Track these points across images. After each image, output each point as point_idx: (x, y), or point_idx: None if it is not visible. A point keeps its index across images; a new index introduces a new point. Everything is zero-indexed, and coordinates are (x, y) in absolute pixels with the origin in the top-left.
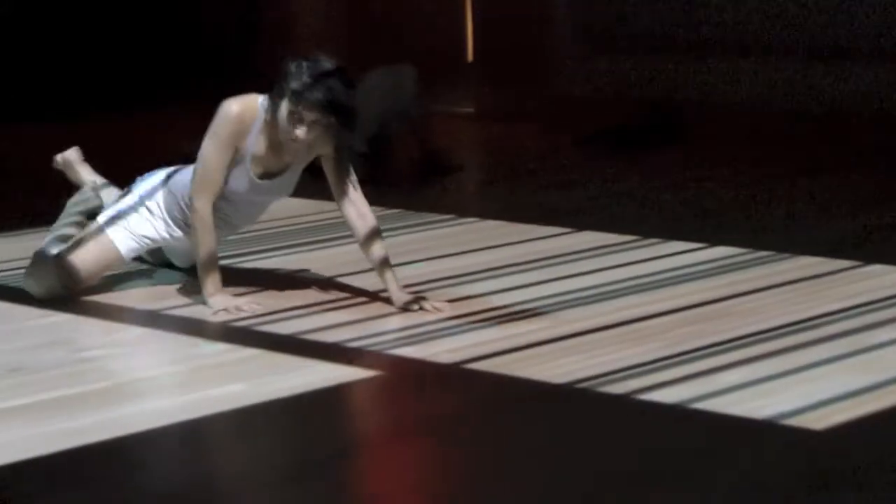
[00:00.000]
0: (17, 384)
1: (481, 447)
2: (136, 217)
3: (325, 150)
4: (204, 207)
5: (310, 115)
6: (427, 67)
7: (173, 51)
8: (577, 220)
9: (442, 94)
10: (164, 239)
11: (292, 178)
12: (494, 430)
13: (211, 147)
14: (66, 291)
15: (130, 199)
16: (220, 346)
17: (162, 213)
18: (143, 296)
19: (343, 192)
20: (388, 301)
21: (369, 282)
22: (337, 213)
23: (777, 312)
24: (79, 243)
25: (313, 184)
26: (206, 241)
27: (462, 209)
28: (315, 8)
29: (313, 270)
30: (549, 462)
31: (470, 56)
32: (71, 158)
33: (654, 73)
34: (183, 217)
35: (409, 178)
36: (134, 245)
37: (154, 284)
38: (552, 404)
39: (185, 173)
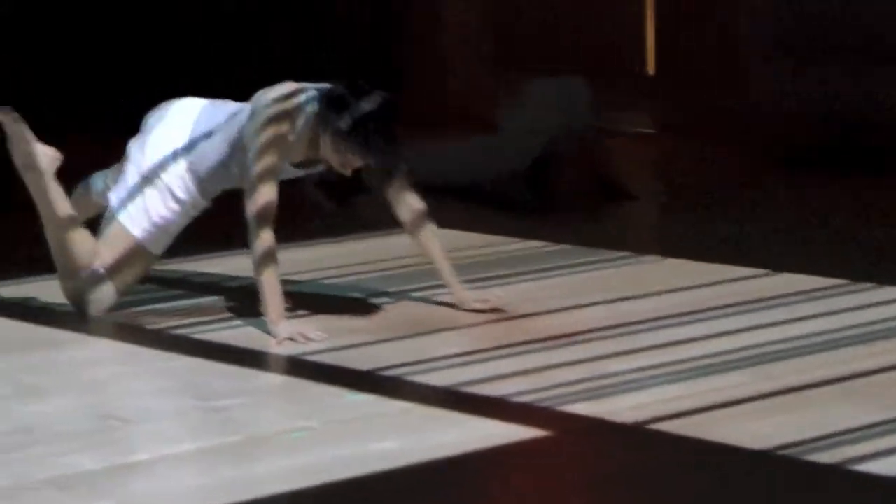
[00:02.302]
0: (138, 435)
1: None
2: (155, 202)
3: None
4: (270, 236)
5: (353, 159)
6: (601, 79)
7: (309, 49)
8: (774, 260)
9: (618, 110)
10: (189, 215)
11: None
12: (680, 501)
13: (268, 163)
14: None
15: (149, 187)
16: (368, 398)
17: (190, 186)
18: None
19: (388, 185)
20: (561, 349)
21: (541, 326)
22: (515, 248)
23: None
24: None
25: (478, 215)
26: (270, 268)
27: (641, 245)
28: (469, 8)
29: (480, 309)
30: None
31: (651, 67)
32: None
33: (869, 87)
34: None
35: (579, 207)
36: (165, 239)
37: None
38: (750, 472)
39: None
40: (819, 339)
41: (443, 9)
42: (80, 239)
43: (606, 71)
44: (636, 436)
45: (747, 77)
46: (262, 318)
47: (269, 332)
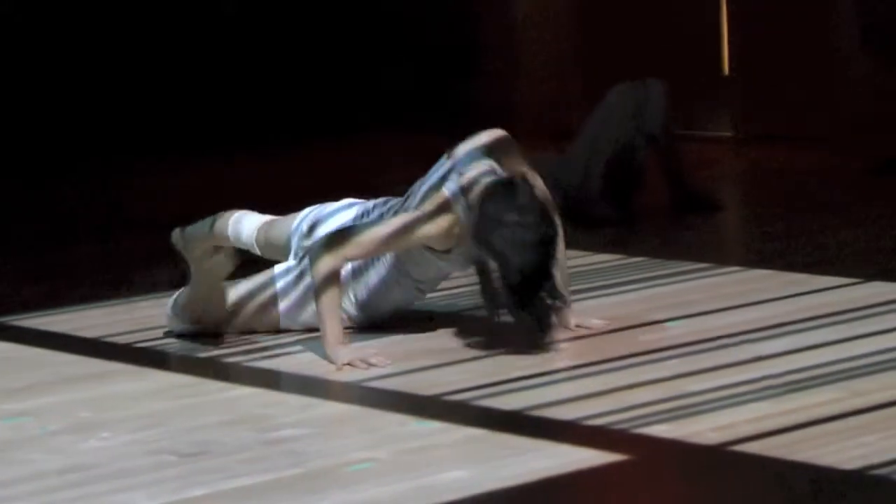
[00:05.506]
0: (196, 470)
1: None
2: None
3: None
4: (335, 261)
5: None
6: (676, 82)
7: (381, 70)
8: (865, 268)
9: (695, 114)
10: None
11: None
12: None
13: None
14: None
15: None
16: (435, 425)
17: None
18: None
19: None
20: (638, 367)
21: (616, 343)
22: (588, 261)
23: None
24: (249, 297)
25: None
26: (330, 291)
27: (722, 256)
28: (542, 19)
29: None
30: None
31: (726, 68)
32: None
33: None
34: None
35: (656, 216)
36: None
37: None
38: (841, 495)
39: None
40: None
41: (515, 13)
42: (218, 302)
43: (681, 72)
44: (720, 458)
45: (836, 74)
46: (320, 343)
47: (327, 359)
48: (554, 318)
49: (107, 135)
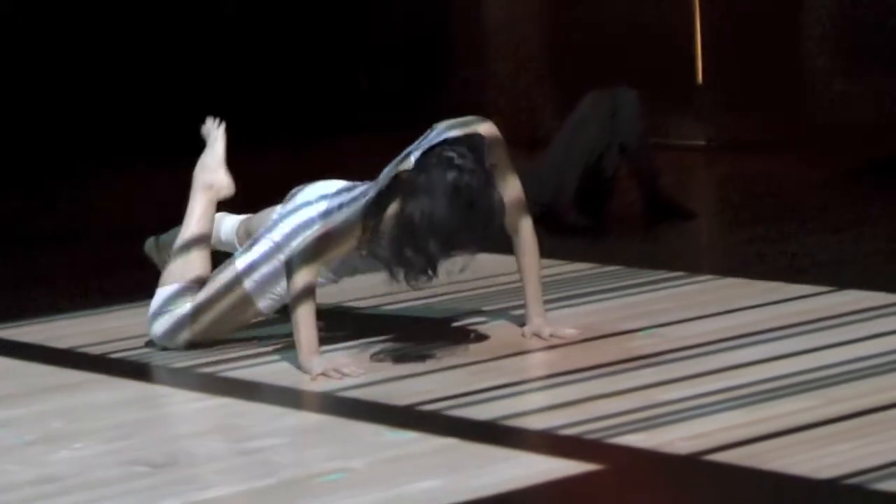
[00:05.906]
0: (169, 480)
1: None
2: (274, 270)
3: None
4: (313, 272)
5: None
6: (649, 91)
7: (350, 77)
8: (838, 277)
9: (668, 123)
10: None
11: None
12: None
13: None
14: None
15: (268, 245)
16: (408, 435)
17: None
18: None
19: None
20: (611, 376)
21: (589, 353)
22: (562, 270)
23: None
24: (213, 297)
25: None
26: (307, 302)
27: (695, 264)
28: (513, 25)
29: (521, 338)
30: None
31: (700, 77)
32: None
33: None
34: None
35: (630, 225)
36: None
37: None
38: None
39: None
40: (888, 358)
41: (486, 22)
42: (200, 258)
43: (653, 81)
44: (694, 467)
45: (807, 84)
46: (295, 353)
47: (301, 368)
48: (429, 274)
49: (95, 138)
